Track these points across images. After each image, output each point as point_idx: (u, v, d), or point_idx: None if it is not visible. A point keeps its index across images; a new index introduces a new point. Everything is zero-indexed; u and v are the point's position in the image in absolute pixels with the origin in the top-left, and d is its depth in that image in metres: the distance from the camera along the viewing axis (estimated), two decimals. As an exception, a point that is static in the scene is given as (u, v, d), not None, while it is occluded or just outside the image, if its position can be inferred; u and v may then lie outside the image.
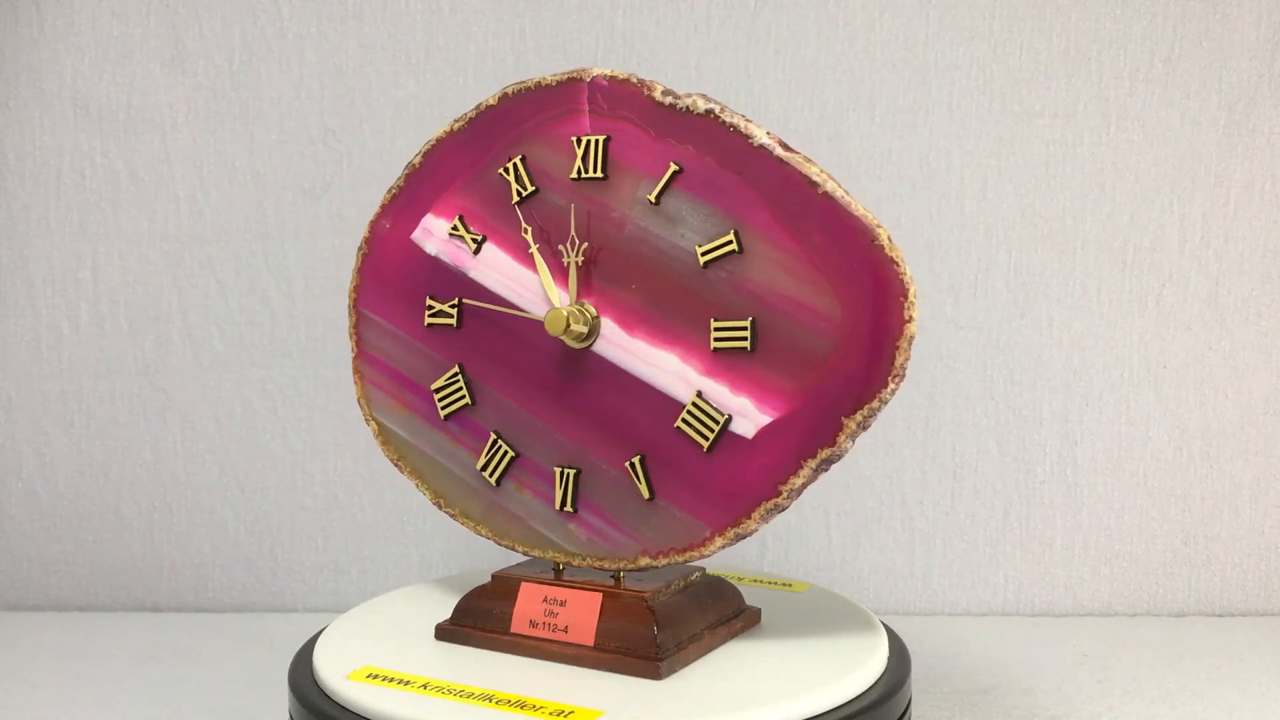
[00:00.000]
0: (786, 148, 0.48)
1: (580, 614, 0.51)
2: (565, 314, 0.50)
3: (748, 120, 0.49)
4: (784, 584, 0.62)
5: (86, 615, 0.80)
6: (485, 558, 0.80)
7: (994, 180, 0.77)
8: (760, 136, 0.48)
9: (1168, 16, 0.76)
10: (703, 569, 0.55)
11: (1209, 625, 0.76)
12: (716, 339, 0.49)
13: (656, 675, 0.48)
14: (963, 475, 0.79)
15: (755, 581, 0.63)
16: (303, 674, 0.51)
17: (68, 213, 0.80)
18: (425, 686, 0.48)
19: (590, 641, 0.50)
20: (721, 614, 0.53)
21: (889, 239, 0.46)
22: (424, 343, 0.57)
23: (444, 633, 0.54)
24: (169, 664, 0.70)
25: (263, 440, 0.81)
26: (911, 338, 0.45)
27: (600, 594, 0.51)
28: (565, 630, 0.51)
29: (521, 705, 0.46)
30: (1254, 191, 0.77)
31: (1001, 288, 0.78)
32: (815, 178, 0.47)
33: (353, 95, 0.79)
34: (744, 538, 0.49)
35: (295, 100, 0.79)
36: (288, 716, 0.52)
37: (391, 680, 0.49)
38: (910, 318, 0.45)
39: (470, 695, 0.47)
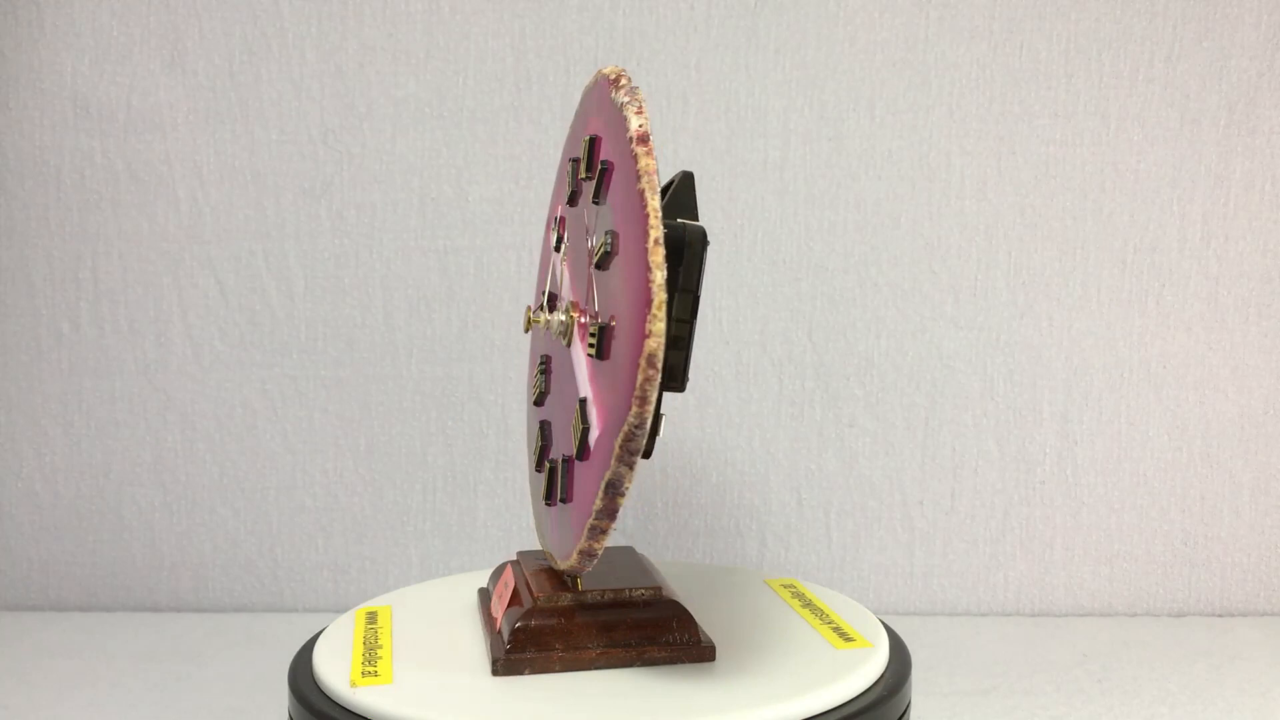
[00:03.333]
0: (643, 140, 0.43)
1: (502, 603, 0.53)
2: (528, 314, 0.52)
3: (639, 109, 0.44)
4: (844, 637, 0.53)
5: (86, 615, 0.80)
6: (483, 558, 0.80)
7: (994, 180, 0.77)
8: (632, 126, 0.43)
9: (1168, 16, 0.76)
10: (658, 588, 0.52)
11: (1209, 625, 0.76)
12: (589, 344, 0.46)
13: (493, 671, 0.48)
14: (963, 475, 0.79)
15: (817, 616, 0.57)
16: (303, 674, 0.51)
17: (68, 213, 0.80)
18: (366, 643, 0.53)
19: (496, 629, 0.52)
20: (638, 637, 0.50)
21: (655, 241, 0.40)
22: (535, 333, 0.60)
23: (480, 596, 0.58)
24: (169, 664, 0.70)
25: (263, 440, 0.81)
26: (650, 355, 0.39)
27: (512, 587, 0.53)
28: (497, 616, 0.53)
29: (373, 675, 0.48)
30: (1254, 191, 0.77)
31: (1001, 288, 0.78)
32: (641, 172, 0.42)
33: (353, 95, 0.79)
34: (592, 556, 0.45)
35: (295, 100, 0.79)
36: (287, 716, 0.52)
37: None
38: (649, 333, 0.39)
39: (372, 649, 0.51)
